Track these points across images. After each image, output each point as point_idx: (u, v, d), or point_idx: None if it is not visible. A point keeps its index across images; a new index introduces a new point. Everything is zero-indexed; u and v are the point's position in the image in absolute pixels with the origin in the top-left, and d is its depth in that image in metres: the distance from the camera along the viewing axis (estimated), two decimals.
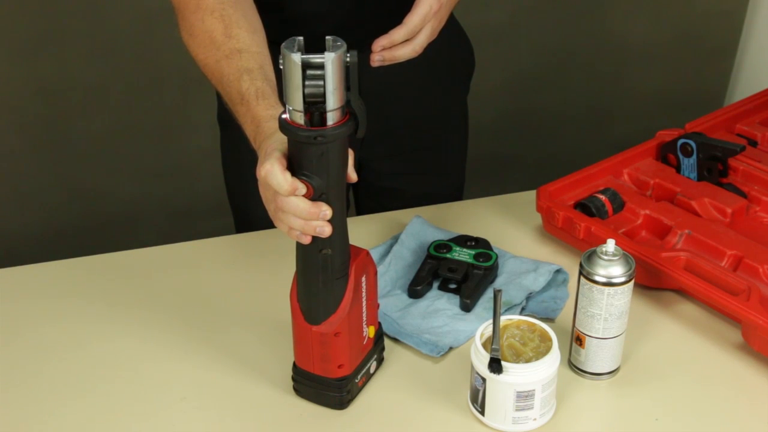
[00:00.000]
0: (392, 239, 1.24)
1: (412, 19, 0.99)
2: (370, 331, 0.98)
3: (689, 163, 1.34)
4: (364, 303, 0.95)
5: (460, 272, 1.14)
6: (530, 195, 1.29)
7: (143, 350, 1.08)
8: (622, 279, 0.97)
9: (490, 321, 0.94)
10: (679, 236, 1.19)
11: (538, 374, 0.91)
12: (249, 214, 1.39)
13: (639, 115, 2.41)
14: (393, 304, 1.12)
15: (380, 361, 1.04)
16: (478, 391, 0.94)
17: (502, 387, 0.92)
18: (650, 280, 1.13)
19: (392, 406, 0.99)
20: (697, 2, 2.36)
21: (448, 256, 1.17)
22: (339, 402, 0.98)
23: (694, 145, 1.32)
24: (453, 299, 1.13)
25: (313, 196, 0.85)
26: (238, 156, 1.37)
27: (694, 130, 1.39)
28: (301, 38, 0.82)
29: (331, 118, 0.83)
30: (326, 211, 0.86)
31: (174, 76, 2.04)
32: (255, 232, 1.30)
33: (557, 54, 2.32)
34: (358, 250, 0.94)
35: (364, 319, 0.97)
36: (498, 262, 1.17)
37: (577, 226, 1.19)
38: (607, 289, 0.97)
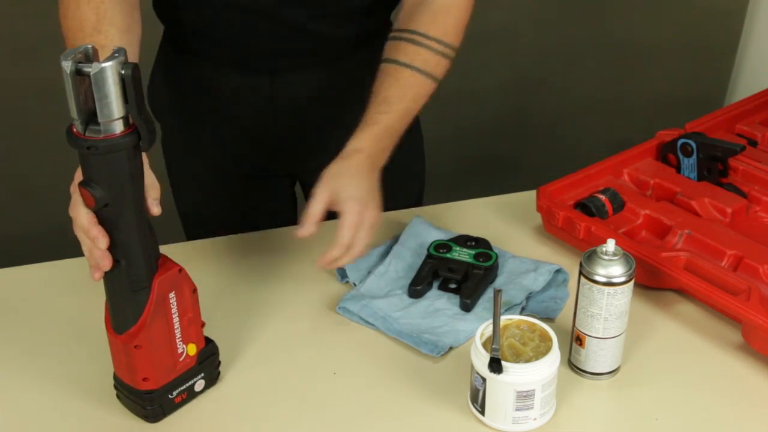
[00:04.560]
0: (392, 239, 1.24)
1: (342, 234, 0.98)
2: (189, 349, 0.95)
3: (689, 163, 1.34)
4: (175, 320, 0.92)
5: (460, 272, 1.14)
6: (530, 195, 1.29)
7: None
8: (622, 279, 0.97)
9: (490, 321, 0.94)
10: (679, 236, 1.19)
11: (538, 374, 0.91)
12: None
13: (639, 115, 2.41)
14: (393, 304, 1.12)
15: (213, 380, 1.00)
16: (478, 391, 0.94)
17: (502, 387, 0.92)
18: (650, 280, 1.13)
19: (392, 406, 0.99)
20: (697, 2, 2.36)
21: (448, 256, 1.17)
22: (145, 415, 0.95)
23: (694, 145, 1.32)
24: (453, 299, 1.13)
25: (96, 207, 0.84)
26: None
27: (694, 130, 1.39)
28: (90, 46, 0.82)
29: (105, 130, 0.82)
30: (101, 241, 0.86)
31: None
32: (256, 232, 1.29)
33: (557, 54, 2.32)
34: (171, 265, 0.92)
35: (178, 336, 0.93)
36: (498, 262, 1.17)
37: (577, 226, 1.19)
38: (607, 288, 0.97)
